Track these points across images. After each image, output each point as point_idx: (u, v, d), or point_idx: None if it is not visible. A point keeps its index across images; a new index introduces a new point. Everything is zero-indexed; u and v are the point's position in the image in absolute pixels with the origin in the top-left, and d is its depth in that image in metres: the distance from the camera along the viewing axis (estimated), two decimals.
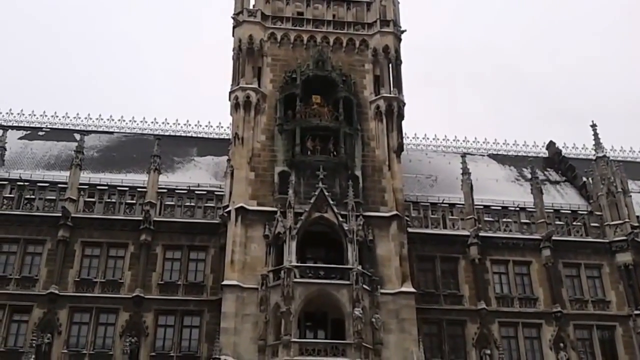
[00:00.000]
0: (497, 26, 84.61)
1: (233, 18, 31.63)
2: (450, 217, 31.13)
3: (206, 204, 30.22)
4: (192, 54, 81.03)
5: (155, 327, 27.29)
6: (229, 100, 30.06)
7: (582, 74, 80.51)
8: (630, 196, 32.62)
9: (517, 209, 32.20)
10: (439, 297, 29.10)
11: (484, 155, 38.43)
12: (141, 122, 37.60)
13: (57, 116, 37.31)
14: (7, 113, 37.00)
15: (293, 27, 31.59)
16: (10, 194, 29.66)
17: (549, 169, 37.99)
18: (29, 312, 27.00)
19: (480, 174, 34.54)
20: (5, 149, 31.67)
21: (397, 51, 31.49)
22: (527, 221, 31.63)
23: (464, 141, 39.03)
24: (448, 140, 38.88)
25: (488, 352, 27.85)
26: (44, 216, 28.95)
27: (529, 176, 33.88)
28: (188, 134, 37.57)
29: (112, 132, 37.03)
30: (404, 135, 30.78)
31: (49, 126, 36.83)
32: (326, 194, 26.95)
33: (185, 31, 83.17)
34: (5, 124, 36.05)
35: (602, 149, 34.46)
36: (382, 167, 29.02)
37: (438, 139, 38.73)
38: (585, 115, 54.22)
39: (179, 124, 37.79)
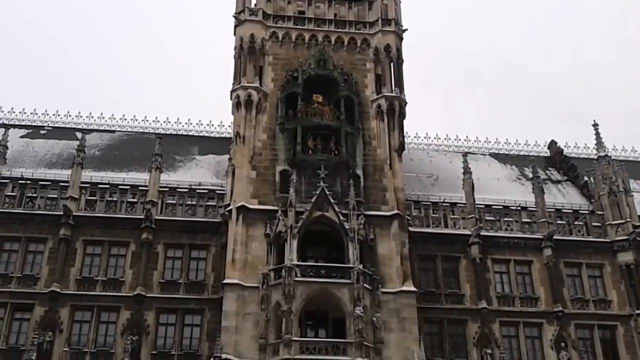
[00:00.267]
0: (498, 25, 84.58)
1: (234, 17, 31.64)
2: (452, 216, 31.12)
3: (207, 203, 30.22)
4: (193, 53, 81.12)
5: (156, 325, 27.31)
6: (231, 99, 30.09)
7: (583, 73, 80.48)
8: (632, 196, 32.55)
9: (519, 208, 32.17)
10: (440, 296, 29.09)
11: (485, 155, 38.39)
12: (143, 120, 37.67)
13: (58, 115, 37.38)
14: (9, 111, 37.07)
15: (294, 26, 31.60)
16: (12, 192, 29.70)
17: (550, 168, 37.94)
18: (31, 310, 27.05)
19: (482, 173, 34.51)
20: (7, 148, 31.68)
21: (399, 50, 31.48)
22: (529, 220, 31.59)
23: (465, 140, 39.03)
24: (449, 139, 38.87)
25: (489, 351, 27.83)
26: (46, 214, 28.99)
27: (531, 175, 33.84)
28: (189, 133, 37.56)
29: (113, 131, 37.06)
30: (405, 134, 30.79)
31: (50, 125, 36.87)
32: (327, 193, 26.96)
33: (187, 30, 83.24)
34: (7, 122, 36.08)
35: (604, 149, 34.41)
36: (384, 166, 29.02)
37: (439, 138, 38.72)
38: (587, 115, 54.10)
39: (180, 122, 37.85)
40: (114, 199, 29.85)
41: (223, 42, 64.79)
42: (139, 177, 31.12)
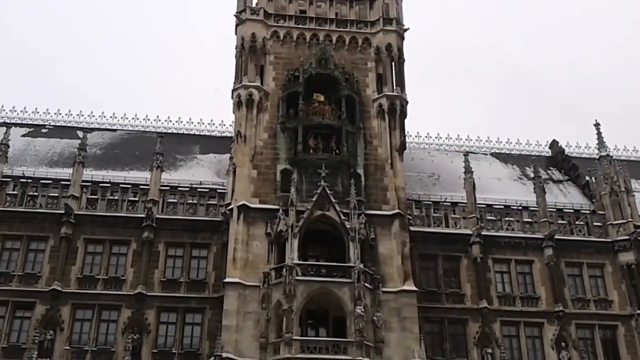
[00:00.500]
0: (499, 24, 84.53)
1: (236, 16, 31.65)
2: (453, 215, 31.12)
3: (208, 202, 30.25)
4: (194, 52, 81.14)
5: (157, 324, 27.35)
6: (232, 98, 30.10)
7: (585, 72, 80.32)
8: (634, 195, 32.51)
9: (520, 208, 32.15)
10: (440, 295, 29.09)
11: (486, 154, 38.33)
12: (144, 119, 37.65)
13: (60, 113, 37.37)
14: (10, 110, 37.06)
15: (296, 25, 31.60)
16: (13, 190, 29.77)
17: (551, 168, 37.89)
18: (32, 308, 27.10)
19: (483, 172, 34.49)
20: (9, 146, 31.69)
21: (400, 49, 31.47)
22: (530, 220, 31.58)
23: (466, 140, 38.97)
24: (451, 138, 38.81)
25: (489, 351, 27.84)
26: (47, 213, 29.03)
27: (532, 175, 33.85)
28: (190, 132, 37.53)
29: (114, 130, 37.06)
30: (406, 133, 30.74)
31: (52, 123, 36.88)
32: (328, 192, 26.96)
33: (188, 29, 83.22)
34: (8, 121, 36.04)
35: (606, 148, 34.39)
36: (385, 166, 29.01)
37: (441, 138, 38.67)
38: (589, 114, 54.15)
39: (181, 121, 37.84)
40: (115, 197, 29.89)
41: (224, 41, 64.81)
42: (140, 176, 31.14)
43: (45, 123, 36.91)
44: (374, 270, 26.29)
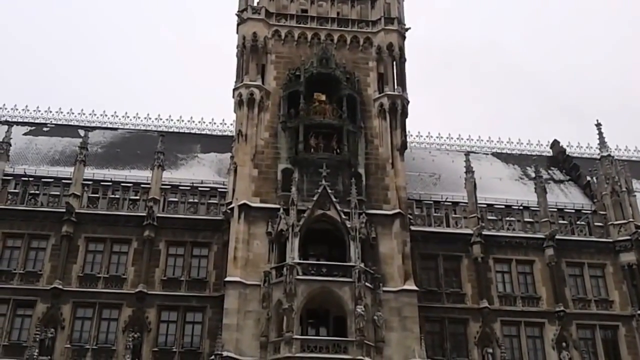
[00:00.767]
0: (500, 24, 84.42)
1: (237, 15, 31.66)
2: (454, 215, 31.11)
3: (209, 201, 30.28)
4: (196, 51, 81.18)
5: (157, 322, 27.36)
6: (233, 97, 30.11)
7: (587, 72, 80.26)
8: (635, 196, 32.48)
9: (521, 207, 32.14)
10: (441, 295, 29.07)
11: (487, 154, 38.32)
12: (145, 118, 37.68)
13: (61, 112, 37.41)
14: (12, 109, 37.15)
15: (297, 25, 31.61)
16: (14, 189, 29.82)
17: (553, 168, 37.86)
18: (33, 306, 27.13)
19: (484, 172, 34.48)
20: (10, 145, 31.73)
21: (401, 49, 31.46)
22: (531, 220, 31.57)
23: (467, 139, 38.94)
24: (452, 138, 38.81)
25: (490, 350, 27.82)
26: (48, 211, 29.08)
27: (533, 175, 33.82)
28: (192, 131, 37.57)
29: (116, 129, 37.09)
30: (407, 133, 30.71)
31: (53, 122, 36.94)
32: (329, 191, 26.96)
33: (189, 28, 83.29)
34: (10, 119, 36.12)
35: (607, 148, 34.35)
36: (386, 165, 29.00)
37: (442, 137, 38.66)
38: (590, 114, 54.09)
39: (182, 120, 37.89)
40: (116, 196, 29.93)
41: (226, 41, 64.87)
42: (141, 175, 31.17)
43: (47, 122, 36.96)
44: (375, 270, 26.28)
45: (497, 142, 39.28)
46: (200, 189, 30.76)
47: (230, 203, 28.08)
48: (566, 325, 29.03)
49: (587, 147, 38.88)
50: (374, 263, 26.55)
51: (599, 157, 34.22)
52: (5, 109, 37.06)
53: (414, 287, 26.60)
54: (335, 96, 29.66)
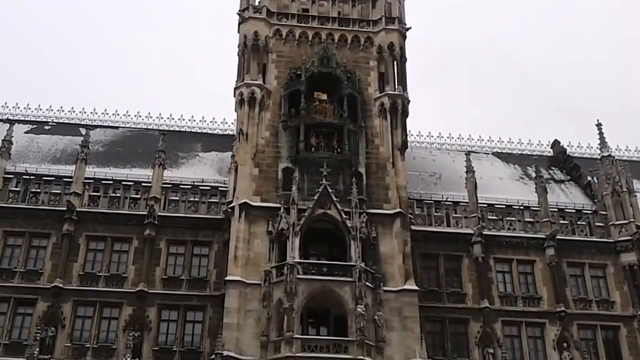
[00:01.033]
0: (501, 23, 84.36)
1: (238, 14, 31.68)
2: (454, 215, 31.10)
3: (210, 200, 30.29)
4: (197, 50, 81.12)
5: (158, 321, 27.36)
6: (234, 96, 30.13)
7: (587, 72, 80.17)
8: (636, 196, 32.47)
9: (521, 207, 32.11)
10: (442, 295, 29.05)
11: (488, 154, 38.30)
12: (146, 117, 37.67)
13: (63, 110, 37.42)
14: (13, 107, 37.17)
15: (298, 24, 31.61)
16: (16, 187, 29.84)
17: (553, 168, 37.83)
18: (34, 305, 27.14)
19: (485, 172, 34.46)
20: (12, 143, 31.75)
21: (402, 48, 31.45)
22: (531, 220, 31.55)
23: (468, 139, 38.90)
24: (452, 138, 38.79)
25: (491, 351, 27.79)
26: (49, 210, 29.09)
27: (534, 175, 33.76)
28: (193, 130, 37.60)
29: (117, 127, 37.10)
30: (408, 132, 30.71)
31: (55, 120, 36.95)
32: (330, 190, 26.95)
33: (191, 27, 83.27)
34: (11, 117, 36.13)
35: (607, 148, 34.35)
36: (386, 165, 28.99)
37: (442, 137, 38.65)
38: (591, 114, 53.93)
39: (183, 119, 37.90)
40: (117, 195, 29.95)
41: (227, 40, 64.92)
42: (142, 174, 31.16)
43: (48, 120, 36.97)
44: (375, 269, 26.26)
45: (498, 141, 39.29)
46: (201, 187, 30.76)
47: (231, 202, 28.08)
48: (567, 326, 28.99)
49: (587, 147, 38.90)
50: (375, 263, 26.54)
51: (599, 157, 34.22)
52: (7, 107, 37.10)
53: (415, 287, 26.58)
54: (336, 95, 29.66)
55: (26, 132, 35.34)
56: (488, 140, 39.13)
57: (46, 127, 36.30)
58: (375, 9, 32.40)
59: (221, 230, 28.81)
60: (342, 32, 31.70)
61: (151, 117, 37.66)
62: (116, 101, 58.94)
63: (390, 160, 29.07)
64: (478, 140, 39.04)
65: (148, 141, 34.44)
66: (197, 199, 30.26)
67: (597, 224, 31.92)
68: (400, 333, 25.49)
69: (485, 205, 31.60)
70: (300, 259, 25.61)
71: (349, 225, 26.34)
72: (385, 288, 26.02)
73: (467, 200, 31.30)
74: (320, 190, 26.97)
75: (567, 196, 34.86)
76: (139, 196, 29.98)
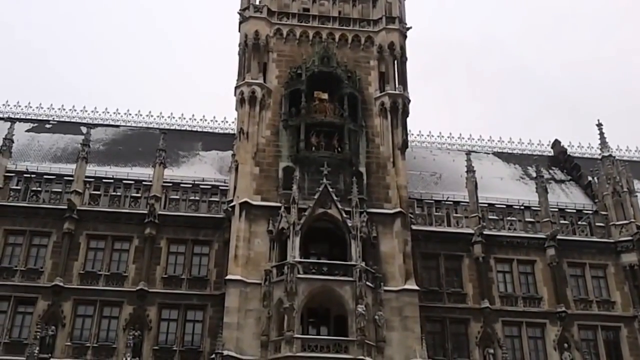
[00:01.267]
0: (501, 23, 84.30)
1: (239, 14, 31.68)
2: (455, 214, 31.08)
3: (210, 199, 30.29)
4: (198, 49, 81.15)
5: (158, 320, 27.35)
6: (235, 95, 30.13)
7: (588, 71, 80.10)
8: (636, 196, 32.43)
9: (522, 207, 32.08)
10: (442, 295, 29.03)
11: (488, 153, 38.28)
12: (147, 116, 37.69)
13: (64, 109, 37.44)
14: (14, 105, 37.19)
15: (299, 23, 31.61)
16: (16, 185, 29.84)
17: (554, 168, 37.81)
18: (34, 304, 27.14)
19: (485, 172, 34.45)
20: (13, 141, 31.72)
21: (403, 48, 31.44)
22: (532, 220, 31.51)
23: (468, 139, 38.90)
24: (453, 137, 38.79)
25: (491, 351, 27.77)
26: (50, 208, 29.08)
27: (534, 175, 33.73)
28: (193, 129, 37.61)
29: (118, 126, 37.12)
30: (408, 132, 30.68)
31: (56, 119, 36.95)
32: (330, 190, 26.94)
33: (192, 26, 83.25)
34: (13, 116, 36.14)
35: (608, 148, 34.33)
36: (387, 164, 28.98)
37: (443, 137, 38.64)
38: (591, 114, 53.98)
39: (184, 118, 37.91)
40: (118, 193, 29.95)
41: (227, 39, 64.91)
42: (143, 172, 31.16)
43: (49, 118, 36.97)
44: (376, 269, 26.25)
45: (498, 141, 39.28)
46: (201, 186, 30.75)
47: (232, 201, 28.07)
48: (568, 326, 28.97)
49: (588, 147, 38.89)
50: (375, 262, 26.52)
51: (600, 157, 34.21)
52: (8, 105, 37.13)
53: (415, 287, 26.56)
54: (337, 95, 29.65)
55: (27, 131, 35.36)
56: (488, 140, 39.16)
57: (47, 126, 36.31)
58: (375, 9, 32.39)
59: (222, 229, 28.81)
60: (342, 31, 31.69)
61: (152, 116, 37.73)
62: (117, 100, 58.97)
63: (391, 159, 29.05)
64: (478, 140, 39.06)
65: (149, 140, 34.45)
66: (197, 198, 30.25)
67: (597, 224, 31.89)
68: (401, 333, 25.47)
69: (486, 205, 31.58)
70: (301, 258, 25.60)
71: (350, 224, 26.32)
72: (386, 288, 26.01)
73: (467, 200, 31.28)
74: (320, 189, 26.96)
75: (567, 196, 34.84)
76: (139, 195, 29.97)
